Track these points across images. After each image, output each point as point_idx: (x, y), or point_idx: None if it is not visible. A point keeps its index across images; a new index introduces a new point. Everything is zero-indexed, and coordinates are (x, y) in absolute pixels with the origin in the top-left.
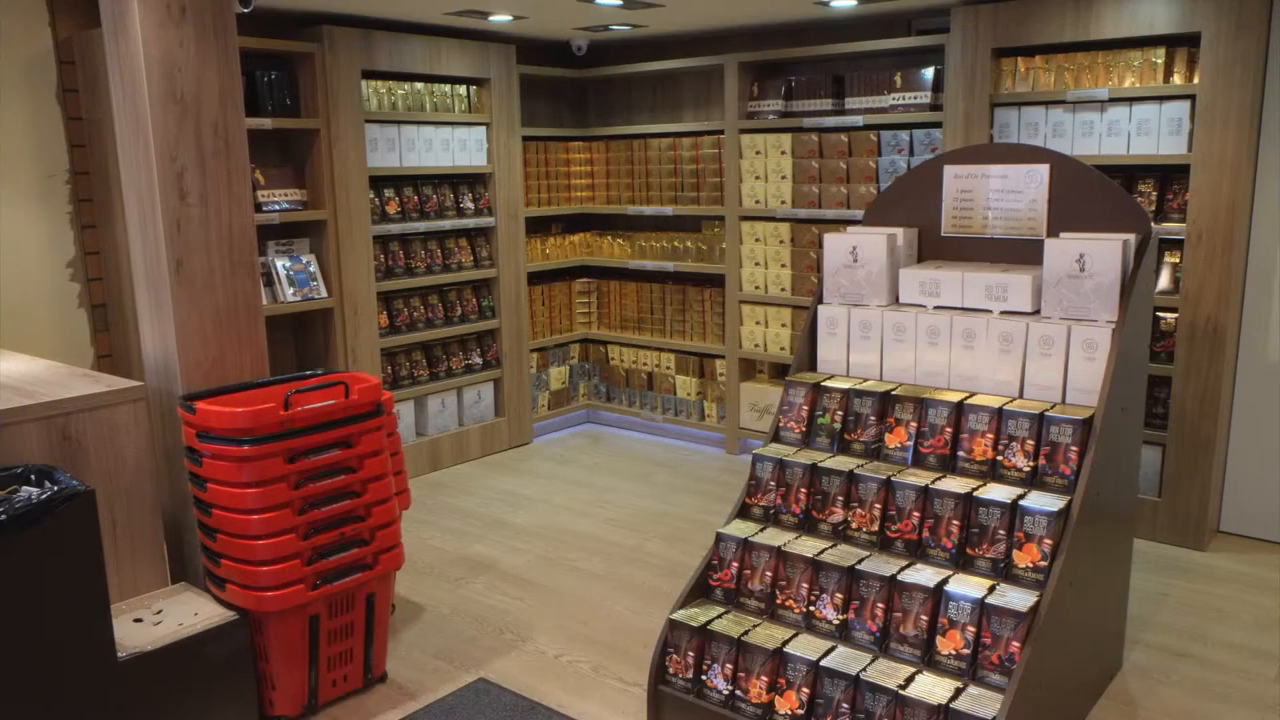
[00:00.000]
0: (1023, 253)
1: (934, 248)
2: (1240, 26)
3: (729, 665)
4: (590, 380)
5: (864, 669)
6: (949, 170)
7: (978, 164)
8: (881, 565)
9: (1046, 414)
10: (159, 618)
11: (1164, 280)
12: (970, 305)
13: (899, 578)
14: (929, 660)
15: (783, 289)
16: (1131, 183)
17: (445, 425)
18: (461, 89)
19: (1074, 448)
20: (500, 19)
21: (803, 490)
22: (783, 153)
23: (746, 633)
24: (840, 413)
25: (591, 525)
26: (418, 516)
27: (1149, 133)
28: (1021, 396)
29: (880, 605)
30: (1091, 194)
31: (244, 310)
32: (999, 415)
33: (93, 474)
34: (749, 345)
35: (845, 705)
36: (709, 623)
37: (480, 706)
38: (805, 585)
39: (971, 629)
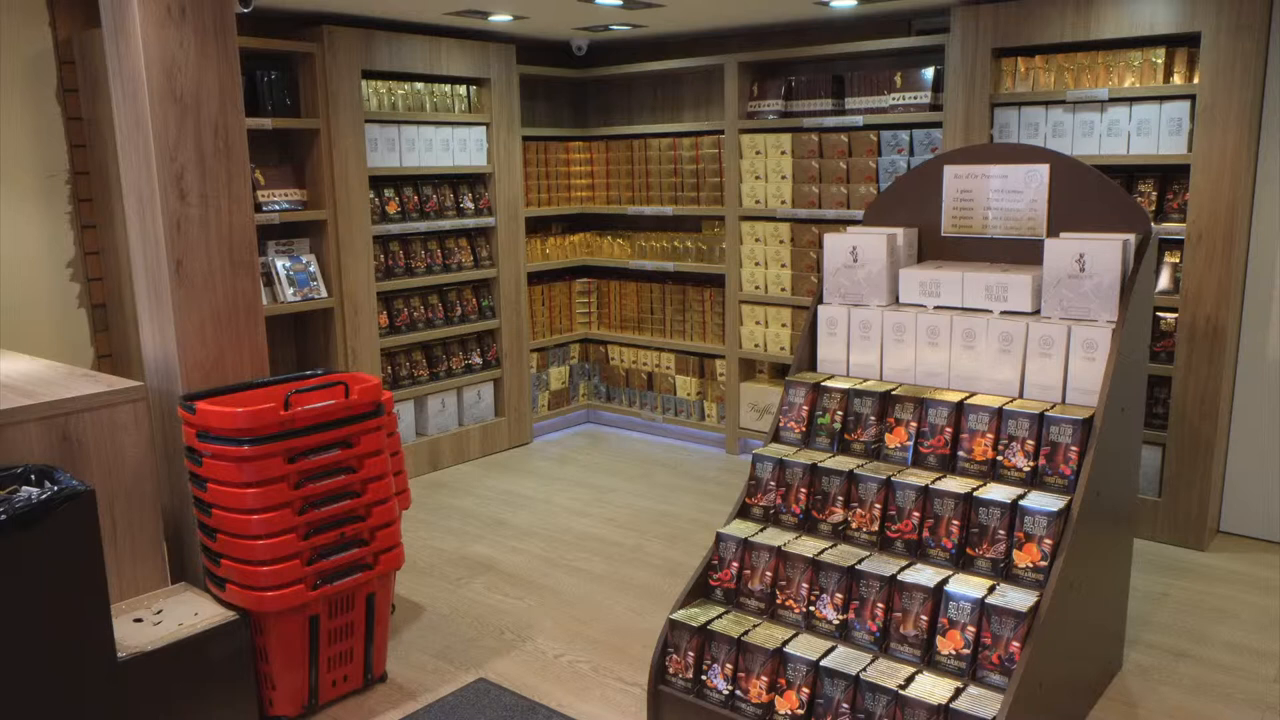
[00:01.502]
0: (1023, 253)
1: (934, 248)
2: (1240, 26)
3: (729, 665)
4: (590, 380)
5: (864, 669)
6: (949, 170)
7: (978, 164)
8: (881, 565)
9: (1046, 414)
10: (159, 618)
11: (1164, 280)
12: (970, 305)
13: (899, 578)
14: (929, 660)
15: (783, 289)
16: (1131, 183)
17: (445, 425)
18: (461, 89)
19: (1074, 448)
20: (500, 19)
21: (803, 490)
22: (783, 153)
23: (746, 633)
24: (840, 413)
25: (591, 525)
26: (418, 516)
27: (1149, 133)
28: (1021, 396)
29: (880, 605)
30: (1091, 194)
31: (244, 310)
32: (999, 415)
33: (93, 474)
34: (749, 345)
35: (845, 705)
36: (709, 623)
37: (480, 706)
38: (805, 585)
39: (971, 629)
